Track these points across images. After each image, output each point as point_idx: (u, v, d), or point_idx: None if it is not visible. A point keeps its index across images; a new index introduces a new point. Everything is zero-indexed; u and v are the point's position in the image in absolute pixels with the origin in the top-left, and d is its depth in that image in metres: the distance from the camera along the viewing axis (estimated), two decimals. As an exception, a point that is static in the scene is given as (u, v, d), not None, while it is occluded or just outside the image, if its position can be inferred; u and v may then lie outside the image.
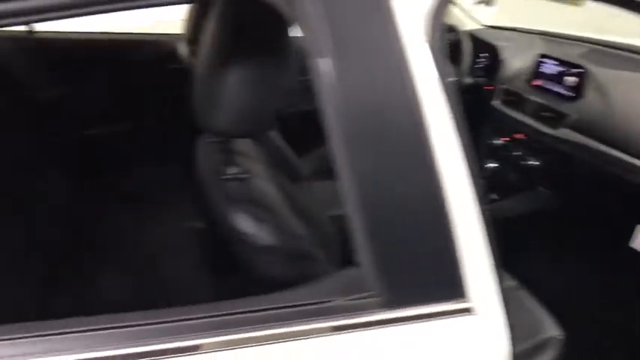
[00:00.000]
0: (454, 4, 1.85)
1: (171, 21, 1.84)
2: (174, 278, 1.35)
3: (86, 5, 0.56)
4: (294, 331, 0.60)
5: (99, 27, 1.80)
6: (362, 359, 0.61)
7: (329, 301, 0.62)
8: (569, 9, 1.45)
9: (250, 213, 0.80)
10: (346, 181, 0.59)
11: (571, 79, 1.55)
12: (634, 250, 1.40)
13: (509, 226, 1.07)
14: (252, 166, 0.94)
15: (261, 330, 0.60)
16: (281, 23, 0.77)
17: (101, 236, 1.57)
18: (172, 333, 0.58)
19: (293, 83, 0.81)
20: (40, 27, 1.74)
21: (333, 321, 0.61)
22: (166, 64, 1.78)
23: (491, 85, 1.84)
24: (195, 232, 1.55)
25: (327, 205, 1.37)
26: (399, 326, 0.61)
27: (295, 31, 0.66)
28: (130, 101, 1.81)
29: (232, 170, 0.86)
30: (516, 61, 1.80)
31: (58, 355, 0.55)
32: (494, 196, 1.86)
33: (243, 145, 0.99)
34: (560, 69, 1.60)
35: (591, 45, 1.67)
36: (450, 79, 0.63)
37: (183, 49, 1.60)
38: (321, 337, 0.60)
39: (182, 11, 1.73)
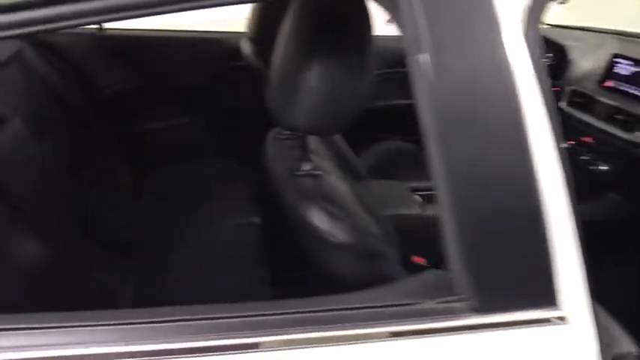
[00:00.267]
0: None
1: (226, 20, 1.86)
2: (233, 273, 1.37)
3: (158, 5, 0.56)
4: (376, 333, 0.59)
5: (163, 25, 1.85)
6: (449, 364, 0.59)
7: (415, 304, 0.60)
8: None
9: (324, 210, 0.80)
10: (440, 179, 0.57)
11: (648, 80, 1.47)
12: None
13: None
14: (322, 163, 0.93)
15: (341, 330, 0.58)
16: (364, 20, 0.76)
17: (161, 228, 1.61)
18: (237, 329, 0.57)
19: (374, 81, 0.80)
20: (109, 24, 1.80)
21: (419, 324, 0.59)
22: (228, 61, 1.81)
23: (558, 87, 1.77)
24: (253, 227, 1.57)
25: (383, 204, 1.35)
26: (489, 332, 0.59)
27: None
28: (191, 97, 1.86)
29: (306, 166, 0.86)
30: (585, 61, 1.72)
31: (115, 345, 0.55)
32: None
33: (313, 142, 0.99)
34: (636, 69, 1.52)
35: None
36: (547, 77, 0.60)
37: (245, 47, 1.62)
38: (406, 340, 0.59)
39: (235, 11, 1.76)
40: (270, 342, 0.56)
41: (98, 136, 1.65)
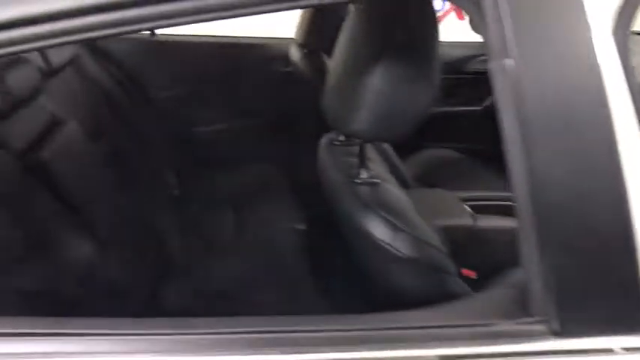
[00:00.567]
0: None
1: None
2: (278, 281, 1.35)
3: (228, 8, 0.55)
4: (445, 356, 0.55)
5: (214, 31, 1.87)
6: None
7: (489, 324, 0.57)
8: None
9: (385, 220, 0.77)
10: (522, 190, 0.53)
11: None
12: None
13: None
14: (379, 170, 0.91)
15: (407, 350, 0.55)
16: (430, 23, 0.74)
17: (205, 233, 1.61)
18: (285, 344, 0.54)
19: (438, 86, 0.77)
20: (160, 30, 1.84)
21: (494, 346, 0.55)
22: (275, 67, 1.82)
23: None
24: (298, 234, 1.55)
25: (434, 214, 1.31)
26: (570, 358, 0.55)
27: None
28: (238, 102, 1.87)
29: (365, 174, 0.84)
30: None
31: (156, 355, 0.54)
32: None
33: (369, 149, 0.97)
34: None
35: None
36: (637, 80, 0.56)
37: (294, 53, 1.62)
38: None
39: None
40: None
41: (147, 140, 1.68)
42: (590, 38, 0.53)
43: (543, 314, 0.55)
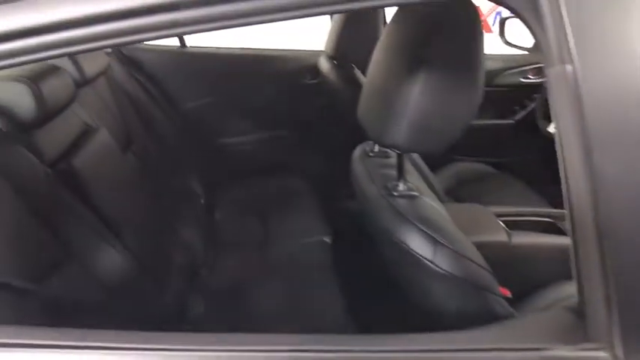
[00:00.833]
0: None
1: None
2: (304, 295, 1.32)
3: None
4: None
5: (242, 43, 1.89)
6: None
7: (543, 349, 0.52)
8: None
9: (425, 235, 0.73)
10: (581, 199, 0.50)
11: None
12: None
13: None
14: (417, 183, 0.88)
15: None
16: (476, 29, 0.71)
17: (231, 244, 1.60)
18: None
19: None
20: (190, 42, 1.86)
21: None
22: (303, 79, 1.81)
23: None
24: (324, 246, 1.52)
25: (468, 230, 1.27)
26: (635, 389, 0.50)
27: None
28: (265, 113, 1.87)
29: (403, 186, 0.81)
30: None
31: None
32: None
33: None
34: None
35: None
36: None
37: (323, 65, 1.61)
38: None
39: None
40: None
41: (175, 150, 1.68)
42: None
43: (605, 340, 0.51)
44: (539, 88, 1.85)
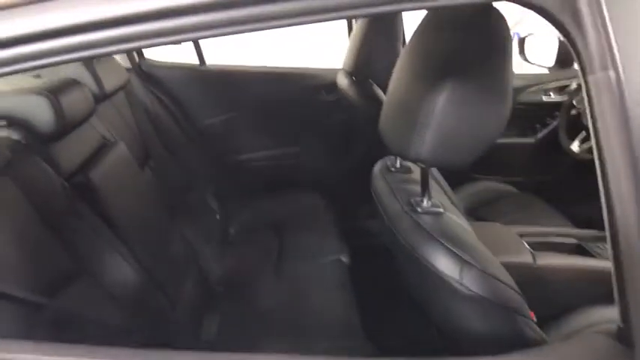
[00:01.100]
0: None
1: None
2: (322, 316, 1.28)
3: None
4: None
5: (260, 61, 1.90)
6: None
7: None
8: None
9: (451, 253, 0.70)
10: (625, 213, 0.46)
11: None
12: None
13: None
14: (441, 199, 0.84)
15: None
16: (504, 40, 0.68)
17: (247, 263, 1.57)
18: None
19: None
20: (209, 60, 1.87)
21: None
22: (322, 95, 1.80)
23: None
24: (341, 266, 1.49)
25: (492, 250, 1.22)
26: None
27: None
28: (283, 130, 1.86)
29: (427, 203, 0.77)
30: None
31: None
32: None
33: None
34: None
35: None
36: None
37: (341, 81, 1.60)
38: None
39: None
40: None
41: (192, 165, 1.67)
42: None
43: None
44: (560, 106, 1.81)
